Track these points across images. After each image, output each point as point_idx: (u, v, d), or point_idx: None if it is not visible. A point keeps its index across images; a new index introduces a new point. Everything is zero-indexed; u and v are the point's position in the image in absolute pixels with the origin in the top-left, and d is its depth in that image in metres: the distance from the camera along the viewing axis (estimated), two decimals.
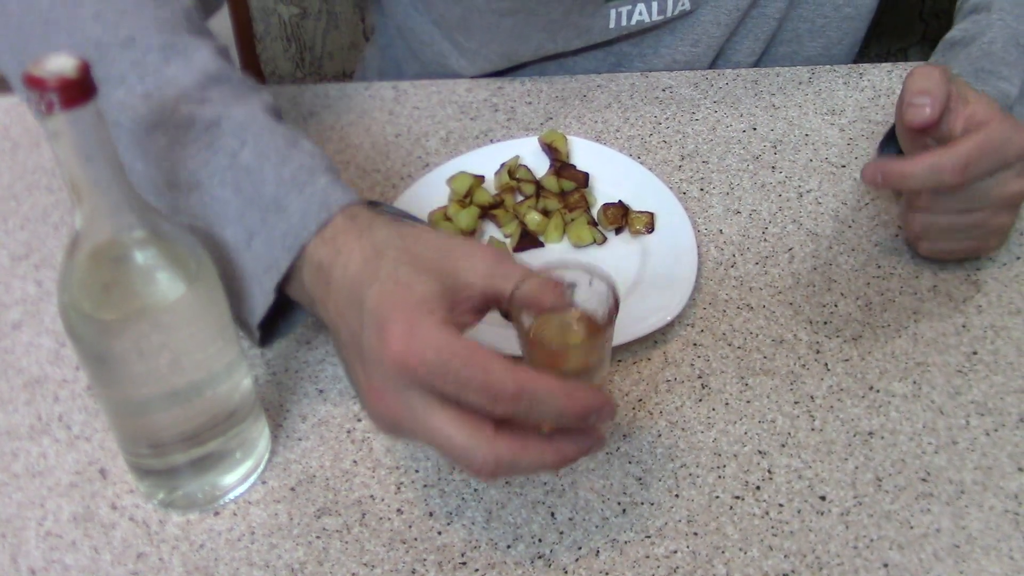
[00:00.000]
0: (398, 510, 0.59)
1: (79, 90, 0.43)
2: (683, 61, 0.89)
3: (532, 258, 0.73)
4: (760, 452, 0.61)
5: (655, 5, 0.83)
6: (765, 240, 0.74)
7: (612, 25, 0.85)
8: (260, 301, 0.58)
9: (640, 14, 0.84)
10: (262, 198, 0.57)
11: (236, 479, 0.59)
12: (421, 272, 0.51)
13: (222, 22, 1.31)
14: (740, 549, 0.56)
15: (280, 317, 0.62)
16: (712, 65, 0.91)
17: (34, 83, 0.43)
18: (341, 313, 0.53)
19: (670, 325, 0.67)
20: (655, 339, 0.67)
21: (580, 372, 0.55)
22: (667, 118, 0.85)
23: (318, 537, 0.58)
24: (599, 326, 0.55)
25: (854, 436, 0.61)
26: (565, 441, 0.51)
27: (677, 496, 0.59)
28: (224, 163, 0.58)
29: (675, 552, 0.56)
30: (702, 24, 0.86)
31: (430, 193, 0.77)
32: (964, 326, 0.67)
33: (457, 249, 0.53)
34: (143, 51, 0.60)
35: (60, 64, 0.43)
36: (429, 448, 0.52)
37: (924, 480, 0.59)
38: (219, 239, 0.58)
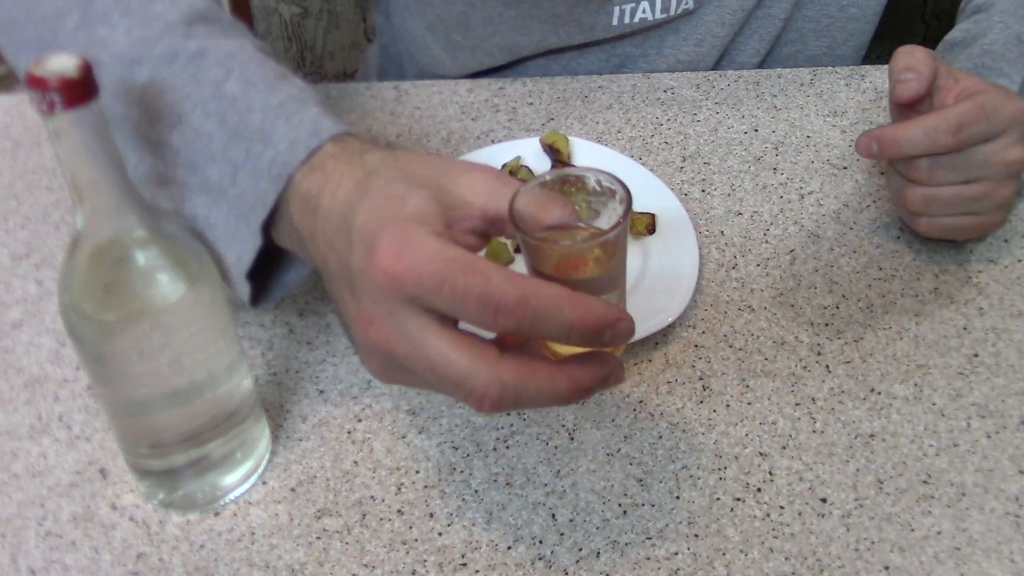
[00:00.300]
0: (398, 511, 0.59)
1: (81, 90, 0.43)
2: (687, 61, 0.89)
3: None
4: (761, 454, 0.60)
5: (658, 3, 0.83)
6: (766, 242, 0.74)
7: (615, 22, 0.85)
8: (248, 245, 0.54)
9: (643, 12, 0.84)
10: (247, 128, 0.53)
11: (236, 480, 0.59)
12: (416, 187, 0.47)
13: None
14: (741, 551, 0.56)
15: (271, 279, 0.59)
16: (716, 66, 0.91)
17: (36, 83, 0.43)
18: (330, 241, 0.49)
19: (671, 327, 0.67)
20: (656, 340, 0.67)
21: (592, 286, 0.48)
22: (668, 119, 0.85)
23: (318, 538, 0.57)
24: (610, 231, 0.47)
25: (855, 438, 0.61)
26: (577, 366, 0.46)
27: (678, 498, 0.59)
28: (208, 93, 0.54)
29: (676, 554, 0.56)
30: (706, 24, 0.86)
31: None
32: (965, 328, 0.67)
33: (456, 167, 0.49)
34: None
35: (62, 64, 0.43)
36: (427, 387, 0.48)
37: (925, 482, 0.59)
38: (202, 181, 0.54)
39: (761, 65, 0.92)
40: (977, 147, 0.64)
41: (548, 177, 0.49)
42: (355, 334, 0.48)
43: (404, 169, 0.49)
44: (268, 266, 0.58)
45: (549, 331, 0.44)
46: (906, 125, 0.63)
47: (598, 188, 0.49)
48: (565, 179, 0.49)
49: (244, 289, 0.57)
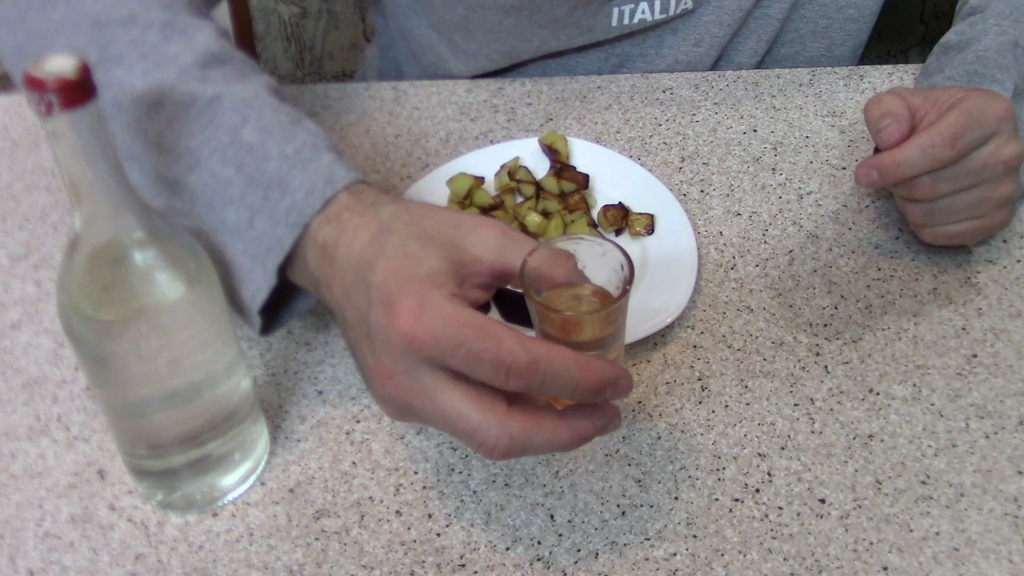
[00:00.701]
0: (397, 512, 0.59)
1: (79, 91, 0.43)
2: (685, 62, 0.89)
3: None
4: (760, 454, 0.60)
5: (657, 3, 0.83)
6: (765, 242, 0.74)
7: (615, 23, 0.85)
8: (263, 284, 0.56)
9: (642, 12, 0.84)
10: (264, 176, 0.55)
11: (235, 480, 0.59)
12: (430, 246, 0.50)
13: (221, 21, 1.31)
14: (739, 552, 0.56)
15: (281, 305, 0.61)
16: (714, 66, 0.91)
17: (34, 84, 0.43)
18: (347, 292, 0.51)
19: (670, 327, 0.67)
20: (654, 341, 0.67)
21: (594, 346, 0.52)
22: (667, 119, 0.85)
23: (317, 539, 0.57)
24: (613, 297, 0.52)
25: (854, 439, 0.61)
26: (579, 418, 0.49)
27: (676, 498, 0.59)
28: (225, 140, 0.56)
29: (674, 555, 0.56)
30: (704, 24, 0.86)
31: (430, 194, 0.77)
32: (964, 329, 0.67)
33: (466, 223, 0.52)
34: (143, 29, 0.59)
35: (60, 65, 0.43)
36: (439, 431, 0.51)
37: (924, 483, 0.59)
38: (219, 221, 0.56)
39: (759, 66, 0.92)
40: (973, 153, 0.64)
41: (558, 243, 0.52)
42: (372, 383, 0.51)
43: (418, 226, 0.51)
44: (277, 298, 0.59)
45: (557, 391, 0.47)
46: (902, 148, 0.63)
47: (603, 257, 0.52)
48: (575, 244, 0.53)
49: (256, 322, 0.58)
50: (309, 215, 0.54)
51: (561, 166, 0.78)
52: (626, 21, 0.85)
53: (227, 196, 0.56)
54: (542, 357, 0.46)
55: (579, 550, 0.56)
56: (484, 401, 0.47)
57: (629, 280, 0.51)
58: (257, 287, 0.56)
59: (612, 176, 0.78)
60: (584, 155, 0.80)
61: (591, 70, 0.91)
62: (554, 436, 0.48)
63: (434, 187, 0.77)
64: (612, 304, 0.51)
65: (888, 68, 0.89)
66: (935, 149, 0.62)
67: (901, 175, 0.64)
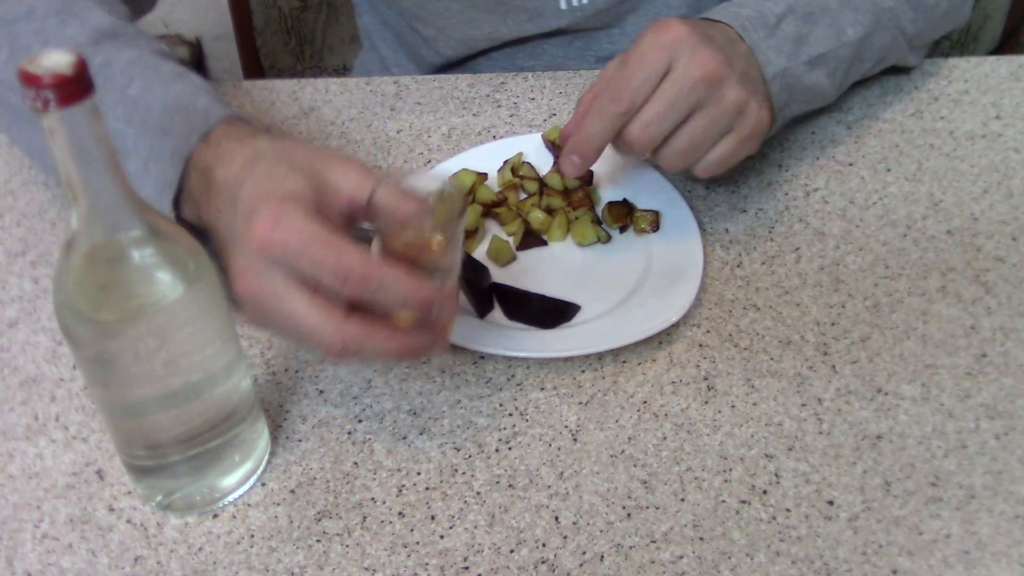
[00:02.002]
0: (400, 513, 0.58)
1: (75, 87, 0.42)
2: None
3: (534, 257, 0.73)
4: (767, 455, 0.60)
5: None
6: (771, 239, 0.73)
7: (563, 6, 0.85)
8: None
9: None
10: (151, 125, 0.62)
11: (235, 481, 0.58)
12: (294, 172, 0.55)
13: (222, 15, 1.30)
14: (747, 555, 0.55)
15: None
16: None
17: (29, 80, 0.42)
18: (219, 209, 0.57)
19: (675, 326, 0.66)
20: (660, 340, 0.66)
21: (432, 274, 0.56)
22: None
23: (318, 540, 0.57)
24: (448, 230, 0.56)
25: (862, 439, 0.60)
26: (409, 333, 0.54)
27: (683, 500, 0.58)
28: (116, 98, 0.63)
29: (681, 557, 0.55)
30: (660, 1, 0.87)
31: None
32: (973, 328, 0.66)
33: (331, 158, 0.57)
34: (42, 19, 0.66)
35: (55, 61, 0.42)
36: (285, 336, 0.57)
37: (933, 484, 0.58)
38: (125, 175, 0.61)
39: None
40: (662, 88, 0.62)
41: (407, 181, 0.57)
42: (233, 283, 0.55)
43: (287, 155, 0.57)
44: None
45: (388, 301, 0.53)
46: (584, 122, 0.64)
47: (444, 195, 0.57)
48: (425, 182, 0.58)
49: None
50: (189, 148, 0.60)
51: None
52: (575, 2, 0.85)
53: (125, 149, 0.62)
54: (376, 269, 0.52)
55: (584, 552, 0.56)
56: (324, 306, 0.52)
57: (460, 216, 0.56)
58: None
59: (616, 172, 0.77)
60: None
61: (557, 56, 0.90)
62: (385, 343, 0.53)
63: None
64: (447, 240, 0.55)
65: None
66: (608, 107, 0.62)
67: (598, 146, 0.64)
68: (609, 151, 0.79)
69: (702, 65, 0.62)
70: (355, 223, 0.57)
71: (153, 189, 0.62)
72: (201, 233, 0.59)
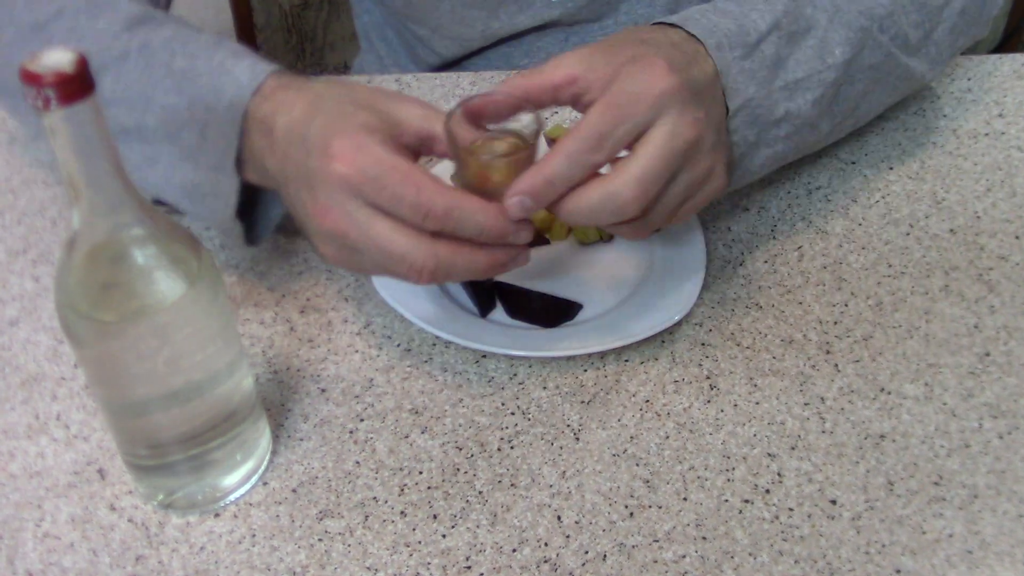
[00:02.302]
0: (401, 512, 0.58)
1: (77, 86, 0.42)
2: (646, 15, 0.88)
3: (536, 255, 0.72)
4: (770, 455, 0.60)
5: None
6: (774, 238, 0.73)
7: None
8: (228, 187, 0.62)
9: None
10: (201, 92, 0.61)
11: (237, 480, 0.58)
12: (362, 107, 0.56)
13: (222, 12, 1.30)
14: (750, 554, 0.55)
15: (257, 221, 0.68)
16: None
17: (30, 79, 0.42)
18: (286, 154, 0.57)
19: (677, 325, 0.66)
20: (662, 339, 0.66)
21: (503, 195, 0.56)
22: None
23: (320, 540, 0.57)
24: (524, 145, 0.57)
25: (865, 439, 0.60)
26: (494, 248, 0.56)
27: (685, 499, 0.58)
28: (161, 74, 0.63)
29: (684, 557, 0.55)
30: None
31: None
32: (976, 327, 0.66)
33: (393, 96, 0.59)
34: (73, 16, 0.66)
35: (57, 59, 0.42)
36: (372, 266, 0.57)
37: (936, 484, 0.58)
38: (181, 150, 0.63)
39: None
40: (657, 140, 0.55)
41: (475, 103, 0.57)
42: (312, 224, 0.56)
43: (350, 95, 0.58)
44: (250, 216, 0.67)
45: (467, 232, 0.55)
46: (548, 161, 0.55)
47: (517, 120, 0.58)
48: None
49: (237, 229, 0.65)
50: (245, 101, 0.60)
51: None
52: None
53: (179, 121, 0.62)
54: (455, 203, 0.53)
55: (587, 552, 0.56)
56: (411, 230, 0.54)
57: (537, 134, 0.56)
58: (227, 191, 0.62)
59: None
60: None
61: (553, 52, 0.89)
62: (473, 260, 0.56)
63: None
64: (523, 155, 0.56)
65: None
66: (582, 155, 0.55)
67: (555, 191, 0.56)
68: None
69: (693, 125, 0.56)
70: (421, 156, 0.59)
71: (214, 155, 0.61)
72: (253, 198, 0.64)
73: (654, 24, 0.63)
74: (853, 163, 0.78)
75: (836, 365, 0.64)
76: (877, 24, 0.68)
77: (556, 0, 0.84)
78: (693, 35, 0.61)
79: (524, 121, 0.58)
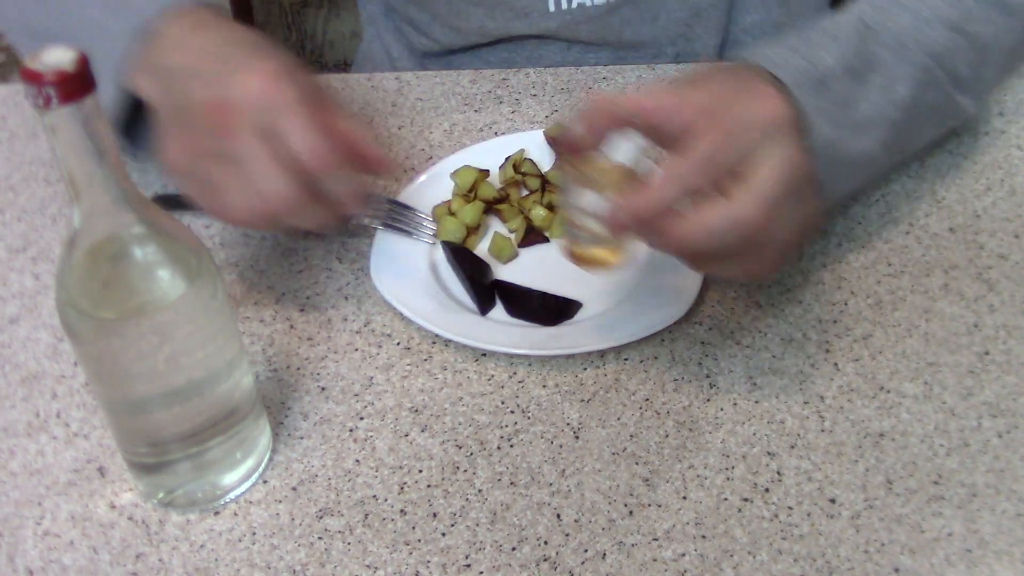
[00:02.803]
0: (401, 511, 0.58)
1: (77, 84, 0.42)
2: (649, 39, 0.88)
3: (536, 253, 0.72)
4: (769, 453, 0.60)
5: None
6: None
7: (552, 8, 0.84)
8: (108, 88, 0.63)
9: None
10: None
11: (237, 478, 0.58)
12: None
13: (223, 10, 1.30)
14: (749, 553, 0.55)
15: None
16: (675, 43, 0.89)
17: (31, 77, 0.42)
18: (204, 51, 0.60)
19: (677, 323, 0.66)
20: (662, 337, 0.66)
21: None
22: None
23: (320, 538, 0.57)
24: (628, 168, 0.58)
25: (864, 437, 0.60)
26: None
27: (685, 498, 0.58)
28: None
29: (683, 555, 0.55)
30: (649, 1, 0.86)
31: (434, 187, 0.76)
32: (976, 325, 0.66)
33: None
34: None
35: (57, 57, 0.42)
36: (217, 183, 0.59)
37: (936, 483, 0.58)
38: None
39: (724, 41, 0.90)
40: (766, 172, 0.54)
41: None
42: (191, 117, 0.59)
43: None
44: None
45: (330, 188, 0.60)
46: (654, 184, 0.54)
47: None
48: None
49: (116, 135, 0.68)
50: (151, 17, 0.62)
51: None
52: (564, 6, 0.85)
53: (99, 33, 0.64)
54: (335, 162, 0.59)
55: (586, 550, 0.56)
56: (287, 166, 0.58)
57: (641, 157, 0.57)
58: (107, 97, 0.63)
59: None
60: None
61: (554, 62, 0.90)
62: (313, 215, 0.60)
63: (438, 180, 0.76)
64: (626, 171, 0.57)
65: None
66: (690, 178, 0.54)
67: (659, 212, 0.54)
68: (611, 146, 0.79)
69: (804, 154, 0.55)
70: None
71: (111, 59, 0.62)
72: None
73: (730, 62, 0.61)
74: None
75: (835, 364, 0.64)
76: (936, 62, 0.66)
77: (554, 12, 0.84)
78: (772, 73, 0.59)
79: (622, 148, 0.58)
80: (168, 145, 0.60)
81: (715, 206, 0.53)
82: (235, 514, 0.58)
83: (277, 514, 0.58)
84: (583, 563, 0.55)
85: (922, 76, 0.65)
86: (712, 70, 0.59)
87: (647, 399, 0.63)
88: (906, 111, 0.65)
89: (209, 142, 0.58)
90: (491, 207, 0.74)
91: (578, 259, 0.61)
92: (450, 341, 0.66)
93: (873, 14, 0.66)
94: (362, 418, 0.62)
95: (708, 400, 0.63)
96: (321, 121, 0.58)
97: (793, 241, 0.57)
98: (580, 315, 0.68)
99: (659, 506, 0.57)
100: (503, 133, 0.82)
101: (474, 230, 0.73)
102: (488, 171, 0.76)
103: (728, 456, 0.60)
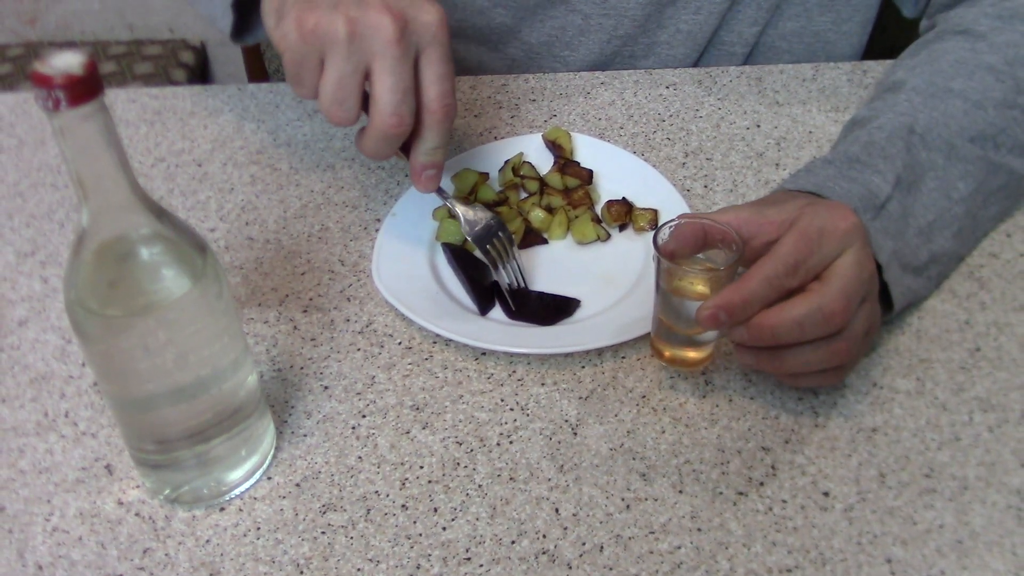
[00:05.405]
0: (403, 506, 0.59)
1: (86, 87, 0.43)
2: (686, 31, 0.90)
3: (535, 254, 0.74)
4: (764, 448, 0.61)
5: None
6: None
7: None
8: None
9: None
10: None
11: (241, 475, 0.59)
12: None
13: None
14: (744, 545, 0.56)
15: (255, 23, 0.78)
16: (714, 36, 0.91)
17: (40, 80, 0.43)
18: None
19: None
20: None
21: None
22: (671, 115, 0.85)
23: (323, 533, 0.58)
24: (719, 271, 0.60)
25: (857, 432, 0.61)
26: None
27: (681, 492, 0.59)
28: None
29: (679, 548, 0.56)
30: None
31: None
32: (967, 322, 0.67)
33: None
34: None
35: (67, 61, 0.43)
36: (335, 78, 0.63)
37: (927, 476, 0.59)
38: None
39: (762, 38, 0.92)
40: (842, 271, 0.57)
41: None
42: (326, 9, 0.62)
43: None
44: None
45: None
46: (745, 282, 0.57)
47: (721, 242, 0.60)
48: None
49: (230, 17, 0.77)
50: None
51: (565, 162, 0.79)
52: None
53: None
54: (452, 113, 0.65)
55: (584, 543, 0.57)
56: (410, 90, 0.63)
57: (736, 261, 0.59)
58: None
59: (616, 172, 0.78)
60: (588, 151, 0.80)
61: (593, 51, 0.91)
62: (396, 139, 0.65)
63: None
64: (721, 271, 0.59)
65: (891, 63, 0.89)
66: (779, 279, 0.57)
67: (750, 310, 0.57)
68: (609, 149, 0.80)
69: (872, 259, 0.59)
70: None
71: None
72: None
73: (791, 191, 0.65)
74: None
75: None
76: (992, 145, 0.69)
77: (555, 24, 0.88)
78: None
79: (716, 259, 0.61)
80: (291, 21, 0.63)
81: (801, 298, 0.57)
82: (240, 510, 0.59)
83: (281, 510, 0.59)
84: (581, 556, 0.56)
85: (977, 168, 0.68)
86: (781, 195, 0.64)
87: (644, 396, 0.64)
88: (970, 202, 0.68)
89: (332, 37, 0.61)
90: (491, 209, 0.75)
91: (669, 360, 0.63)
92: (450, 341, 0.67)
93: (920, 115, 0.69)
94: (364, 416, 0.64)
95: (703, 396, 0.64)
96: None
97: (868, 334, 0.60)
98: (578, 314, 0.69)
99: (656, 500, 0.58)
100: (502, 137, 0.83)
101: None
102: (487, 174, 0.78)
103: (723, 451, 0.61)
